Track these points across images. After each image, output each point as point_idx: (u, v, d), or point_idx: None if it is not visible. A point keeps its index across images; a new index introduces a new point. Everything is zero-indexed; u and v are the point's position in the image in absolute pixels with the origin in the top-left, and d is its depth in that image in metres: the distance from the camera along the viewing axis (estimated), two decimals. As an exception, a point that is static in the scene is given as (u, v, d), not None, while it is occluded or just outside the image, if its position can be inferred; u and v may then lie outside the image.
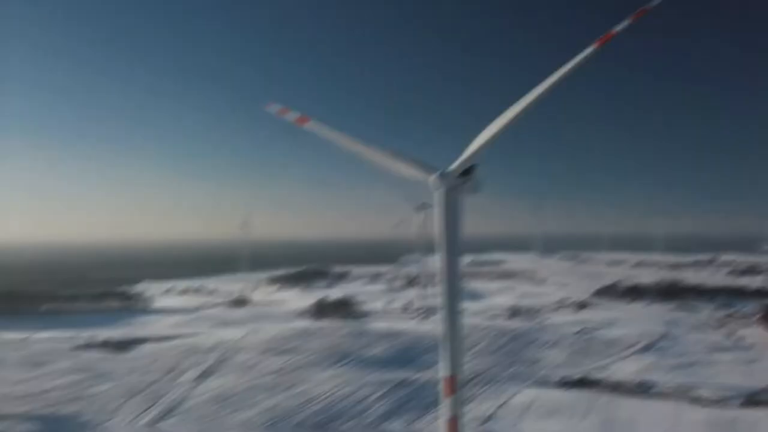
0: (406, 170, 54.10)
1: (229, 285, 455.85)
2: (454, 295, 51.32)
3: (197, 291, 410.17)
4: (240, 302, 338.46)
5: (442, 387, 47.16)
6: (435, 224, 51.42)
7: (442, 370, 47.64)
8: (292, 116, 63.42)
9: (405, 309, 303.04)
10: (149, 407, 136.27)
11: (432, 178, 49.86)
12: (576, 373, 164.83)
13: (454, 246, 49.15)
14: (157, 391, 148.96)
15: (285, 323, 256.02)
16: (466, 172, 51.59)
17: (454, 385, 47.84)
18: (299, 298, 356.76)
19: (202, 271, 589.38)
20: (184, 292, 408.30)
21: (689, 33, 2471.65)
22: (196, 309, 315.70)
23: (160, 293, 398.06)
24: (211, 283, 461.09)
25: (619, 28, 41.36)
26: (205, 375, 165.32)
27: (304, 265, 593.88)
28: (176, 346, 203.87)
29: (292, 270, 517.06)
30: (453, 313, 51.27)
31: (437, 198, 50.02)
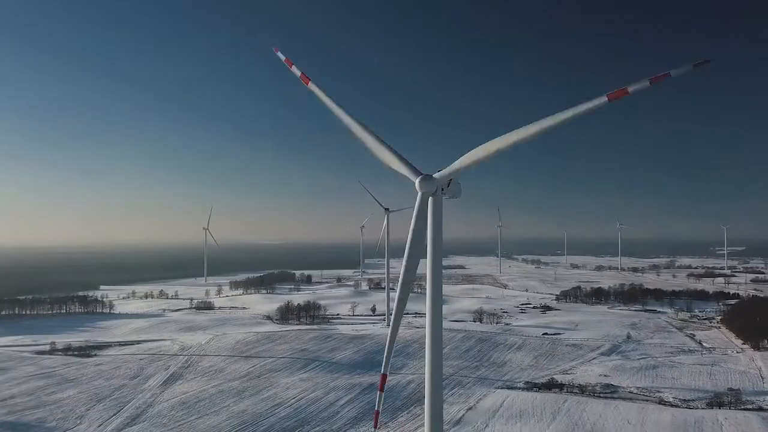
0: (396, 165, 54.13)
1: (192, 289, 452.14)
2: (438, 292, 51.67)
3: (159, 295, 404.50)
4: (203, 306, 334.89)
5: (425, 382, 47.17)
6: (412, 226, 52.01)
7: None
8: (296, 70, 62.16)
9: (370, 313, 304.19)
10: (115, 413, 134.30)
11: (417, 181, 50.30)
12: (543, 375, 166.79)
13: (438, 247, 49.91)
14: (122, 397, 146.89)
15: (250, 327, 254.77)
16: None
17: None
18: (263, 302, 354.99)
19: (163, 275, 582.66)
20: (146, 296, 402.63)
21: (658, 34, 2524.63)
22: (159, 313, 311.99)
23: (122, 297, 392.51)
24: (172, 287, 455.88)
25: (633, 87, 38.56)
26: (171, 380, 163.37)
27: (266, 269, 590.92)
28: (141, 351, 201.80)
29: (254, 274, 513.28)
30: (436, 310, 51.45)
31: (420, 200, 50.58)
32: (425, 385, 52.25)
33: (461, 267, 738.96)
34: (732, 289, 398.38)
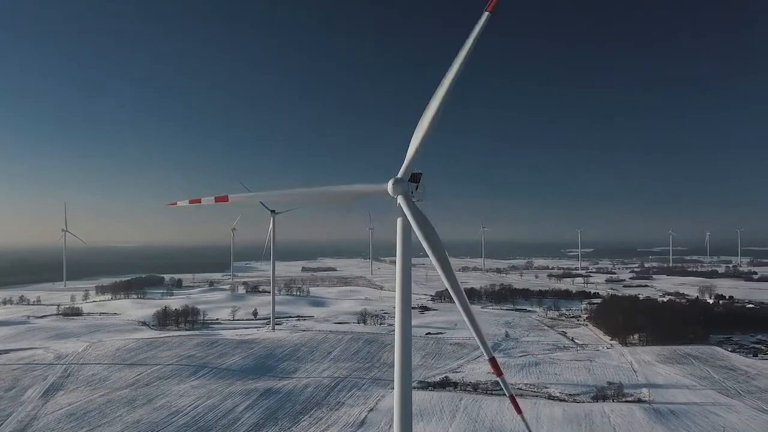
0: (363, 192, 54.95)
1: (54, 294, 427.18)
2: (407, 293, 52.98)
3: (20, 301, 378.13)
4: (71, 313, 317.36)
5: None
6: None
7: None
8: (207, 200, 61.15)
9: (252, 317, 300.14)
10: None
11: (391, 185, 51.04)
12: (434, 374, 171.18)
13: (408, 247, 51.38)
14: (0, 411, 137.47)
15: (128, 334, 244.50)
16: (415, 179, 53.53)
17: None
18: (136, 308, 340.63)
19: (17, 279, 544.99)
20: (5, 302, 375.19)
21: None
22: (24, 320, 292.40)
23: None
24: (31, 292, 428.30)
25: None
26: (51, 391, 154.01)
27: (129, 272, 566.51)
28: (11, 361, 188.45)
29: (119, 278, 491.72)
30: (405, 310, 52.65)
31: (405, 202, 51.34)
32: (395, 383, 53.48)
33: (332, 269, 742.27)
34: (592, 289, 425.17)
